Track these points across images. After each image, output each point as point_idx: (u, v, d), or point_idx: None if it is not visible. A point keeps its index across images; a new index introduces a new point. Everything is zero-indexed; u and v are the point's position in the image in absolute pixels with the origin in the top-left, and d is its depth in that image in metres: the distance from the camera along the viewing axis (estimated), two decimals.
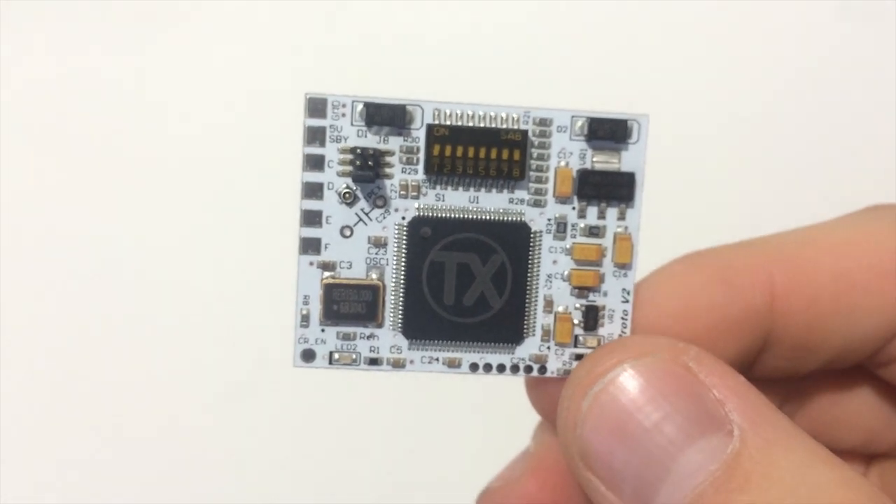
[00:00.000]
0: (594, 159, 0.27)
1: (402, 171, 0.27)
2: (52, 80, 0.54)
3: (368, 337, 0.27)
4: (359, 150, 0.26)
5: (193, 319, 0.55)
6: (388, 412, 0.56)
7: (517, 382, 0.30)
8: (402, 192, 0.27)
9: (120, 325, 0.55)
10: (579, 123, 0.27)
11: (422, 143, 0.26)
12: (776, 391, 0.32)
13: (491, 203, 0.27)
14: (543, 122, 0.27)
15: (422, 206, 0.27)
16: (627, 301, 0.28)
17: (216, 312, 0.55)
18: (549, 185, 0.27)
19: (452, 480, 0.53)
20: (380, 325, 0.27)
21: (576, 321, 0.28)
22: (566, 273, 0.27)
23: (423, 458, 0.56)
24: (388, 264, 0.27)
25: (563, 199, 0.27)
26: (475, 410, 0.54)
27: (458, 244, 0.27)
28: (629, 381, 0.25)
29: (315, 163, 0.26)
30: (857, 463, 0.33)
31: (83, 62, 0.54)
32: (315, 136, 0.26)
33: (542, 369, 0.28)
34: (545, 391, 0.29)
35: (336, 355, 0.27)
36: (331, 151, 0.26)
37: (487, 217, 0.27)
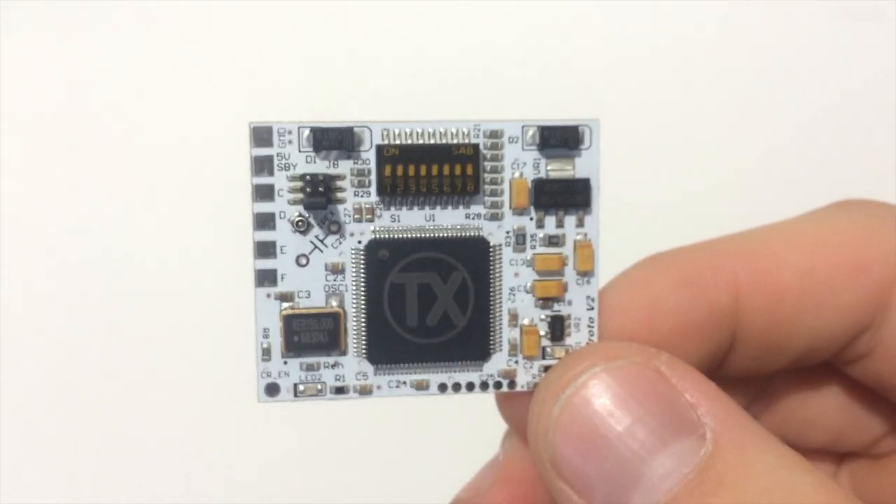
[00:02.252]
0: (548, 168, 0.27)
1: (355, 195, 0.26)
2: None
3: (333, 366, 0.27)
4: (308, 177, 0.25)
5: (183, 330, 0.55)
6: (355, 422, 0.55)
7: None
8: (356, 216, 0.26)
9: (117, 328, 0.55)
10: (530, 133, 0.26)
11: (372, 165, 0.26)
12: (743, 391, 0.32)
13: (447, 220, 0.26)
14: (494, 135, 0.26)
15: (377, 229, 0.26)
16: (593, 308, 0.27)
17: (203, 323, 0.55)
18: (505, 198, 0.27)
19: (419, 489, 0.52)
20: (343, 353, 0.27)
21: (542, 333, 0.27)
22: (529, 285, 0.27)
23: (392, 467, 0.56)
24: (347, 290, 0.26)
25: (520, 211, 0.27)
26: (442, 419, 0.54)
27: (418, 264, 0.26)
28: (600, 385, 0.24)
29: (265, 193, 0.26)
30: (827, 462, 0.33)
31: (77, 67, 0.53)
32: (262, 165, 0.26)
33: (512, 384, 0.27)
34: (517, 406, 0.29)
35: (301, 387, 0.27)
36: (280, 180, 0.26)
37: (445, 234, 0.26)
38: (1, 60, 0.52)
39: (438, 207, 0.26)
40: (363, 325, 0.27)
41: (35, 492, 0.55)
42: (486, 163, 0.26)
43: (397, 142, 0.26)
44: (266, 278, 0.26)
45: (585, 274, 0.27)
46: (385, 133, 0.26)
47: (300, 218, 0.26)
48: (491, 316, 0.27)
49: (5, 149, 0.53)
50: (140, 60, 0.54)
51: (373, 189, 0.26)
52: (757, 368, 0.29)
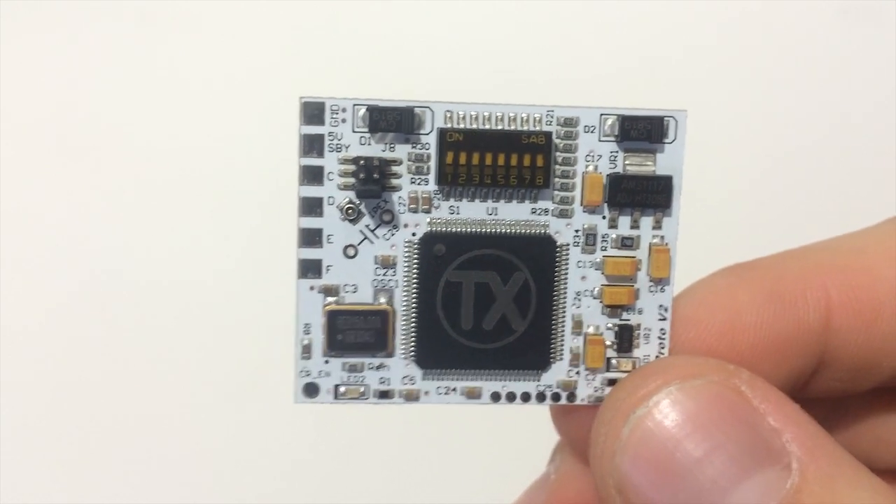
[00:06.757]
0: (626, 162, 0.24)
1: (412, 182, 0.24)
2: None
3: (378, 367, 0.24)
4: (362, 161, 0.23)
5: (196, 325, 0.53)
6: (397, 431, 0.53)
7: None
8: (411, 206, 0.24)
9: (117, 329, 0.53)
10: (609, 122, 0.24)
11: (433, 150, 0.23)
12: (817, 408, 0.29)
13: (511, 215, 0.24)
14: (569, 122, 0.24)
15: (434, 221, 0.24)
16: (665, 319, 0.25)
17: (217, 317, 0.53)
18: (577, 193, 0.24)
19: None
20: (390, 355, 0.24)
21: (608, 343, 0.25)
22: (597, 290, 0.25)
23: (435, 480, 0.54)
24: (397, 287, 0.24)
25: (591, 208, 0.24)
26: (489, 426, 0.52)
27: (476, 262, 0.24)
28: (676, 406, 0.22)
29: (313, 175, 0.23)
30: (893, 484, 0.30)
31: (81, 66, 0.51)
32: (312, 145, 0.23)
33: (571, 396, 0.25)
34: (575, 420, 0.26)
35: (342, 388, 0.25)
36: (330, 162, 0.23)
37: (508, 230, 0.24)
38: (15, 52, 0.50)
39: (502, 200, 0.24)
40: (413, 325, 0.24)
41: (37, 493, 0.53)
42: (557, 153, 0.24)
43: (461, 126, 0.23)
44: (310, 269, 0.24)
45: (660, 281, 0.25)
46: (448, 115, 0.23)
47: (350, 205, 0.24)
48: (553, 322, 0.25)
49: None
50: (186, 33, 0.51)
51: (431, 177, 0.24)
52: (842, 390, 0.27)
